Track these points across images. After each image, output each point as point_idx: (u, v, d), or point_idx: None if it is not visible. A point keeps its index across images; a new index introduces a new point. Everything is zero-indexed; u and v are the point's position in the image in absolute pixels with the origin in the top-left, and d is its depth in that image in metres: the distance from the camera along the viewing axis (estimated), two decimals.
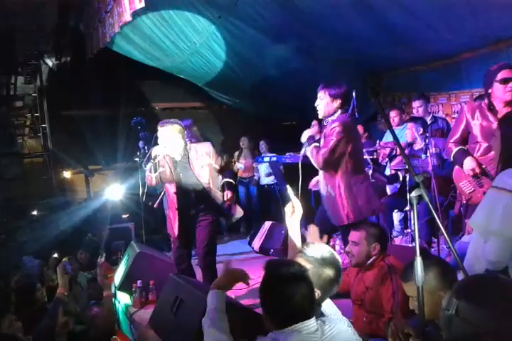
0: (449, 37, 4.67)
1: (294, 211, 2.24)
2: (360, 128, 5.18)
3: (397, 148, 4.62)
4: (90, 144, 7.83)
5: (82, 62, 7.02)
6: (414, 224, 1.66)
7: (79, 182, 7.92)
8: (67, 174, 7.75)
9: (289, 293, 1.64)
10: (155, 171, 3.69)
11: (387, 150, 5.04)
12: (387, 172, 5.14)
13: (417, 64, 5.79)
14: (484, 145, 3.08)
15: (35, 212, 6.68)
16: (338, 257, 1.99)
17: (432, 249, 4.38)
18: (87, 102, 7.78)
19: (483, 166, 3.08)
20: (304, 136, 3.53)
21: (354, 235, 2.76)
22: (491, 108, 3.07)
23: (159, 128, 3.74)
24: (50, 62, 7.77)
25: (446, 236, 1.77)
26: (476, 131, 3.11)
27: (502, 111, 3.04)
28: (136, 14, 4.51)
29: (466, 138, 3.25)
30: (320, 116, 3.50)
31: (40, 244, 5.30)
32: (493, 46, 4.73)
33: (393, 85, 6.47)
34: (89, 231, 5.76)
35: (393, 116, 5.33)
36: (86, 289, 4.29)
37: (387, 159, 5.06)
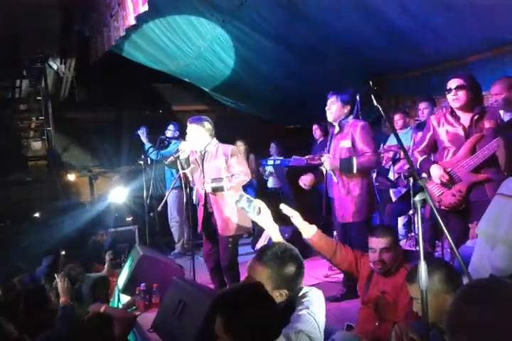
0: (453, 40, 4.66)
1: (259, 211, 2.22)
2: None
3: (401, 152, 4.62)
4: (94, 147, 7.88)
5: (87, 65, 7.05)
6: (418, 227, 1.66)
7: (83, 184, 7.94)
8: (71, 177, 7.76)
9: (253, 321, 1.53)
10: (187, 167, 3.82)
11: (391, 154, 5.03)
12: (391, 175, 5.13)
13: (421, 67, 5.77)
14: (452, 149, 3.22)
15: (38, 215, 6.69)
16: (295, 250, 1.91)
17: (436, 253, 4.36)
18: (92, 105, 7.82)
19: (450, 169, 3.17)
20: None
21: (382, 242, 2.54)
22: (454, 114, 3.24)
23: (187, 124, 3.86)
24: (54, 65, 7.79)
25: (451, 240, 1.77)
26: (443, 137, 3.27)
27: (462, 116, 3.18)
28: (140, 18, 4.54)
29: (432, 145, 3.40)
30: (330, 119, 3.75)
31: (44, 246, 5.30)
32: (498, 49, 4.71)
33: (397, 88, 6.45)
34: (93, 234, 5.77)
35: (397, 119, 5.33)
36: (90, 291, 4.28)
37: (390, 163, 5.05)
